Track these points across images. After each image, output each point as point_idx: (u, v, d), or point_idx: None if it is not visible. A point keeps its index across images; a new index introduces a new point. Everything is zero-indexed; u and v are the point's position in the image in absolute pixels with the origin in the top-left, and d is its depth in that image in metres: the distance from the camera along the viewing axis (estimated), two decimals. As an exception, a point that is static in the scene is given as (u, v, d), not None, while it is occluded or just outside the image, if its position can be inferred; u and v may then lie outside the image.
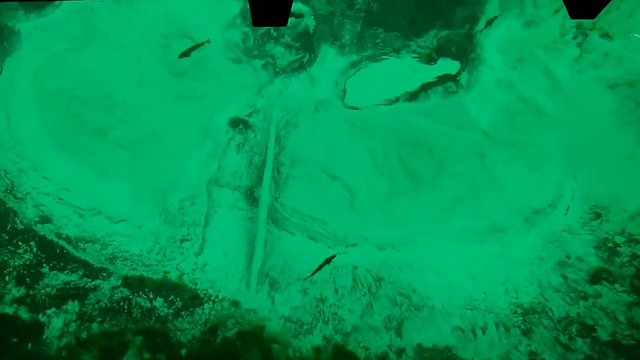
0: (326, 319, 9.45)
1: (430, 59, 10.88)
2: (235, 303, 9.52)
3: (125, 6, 11.20)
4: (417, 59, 10.91)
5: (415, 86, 10.73)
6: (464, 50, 10.92)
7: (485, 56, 10.78)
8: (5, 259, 9.37)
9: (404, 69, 10.82)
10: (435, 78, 10.77)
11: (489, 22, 10.93)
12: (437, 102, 10.62)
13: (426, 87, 10.78)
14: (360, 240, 10.05)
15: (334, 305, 9.57)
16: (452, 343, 9.43)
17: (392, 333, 9.49)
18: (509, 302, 9.53)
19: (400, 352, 9.42)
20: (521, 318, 9.41)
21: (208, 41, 10.60)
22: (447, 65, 10.83)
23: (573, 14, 2.18)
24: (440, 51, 10.93)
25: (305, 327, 9.36)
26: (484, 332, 9.38)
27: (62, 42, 11.15)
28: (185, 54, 10.21)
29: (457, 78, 10.83)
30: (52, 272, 9.50)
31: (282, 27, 11.02)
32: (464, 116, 10.44)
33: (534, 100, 10.56)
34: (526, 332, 9.33)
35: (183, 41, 10.85)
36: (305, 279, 9.45)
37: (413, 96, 10.77)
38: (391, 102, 10.74)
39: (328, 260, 9.21)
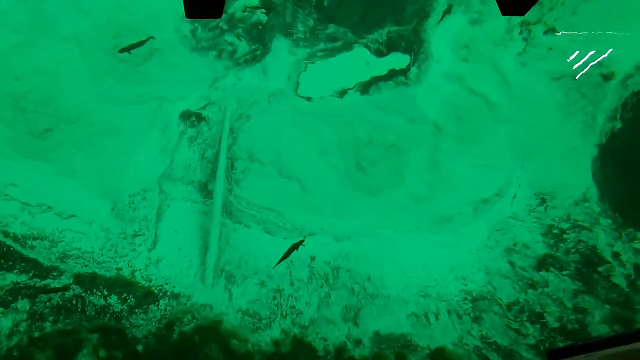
0: (284, 312, 9.49)
1: (381, 53, 11.06)
2: (191, 298, 9.46)
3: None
4: (369, 53, 11.07)
5: (366, 79, 10.89)
6: (413, 44, 11.15)
7: (434, 51, 11.03)
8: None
9: (355, 63, 10.95)
10: (386, 71, 10.96)
11: (438, 18, 11.18)
12: (388, 95, 10.80)
13: (377, 80, 10.95)
14: (317, 232, 10.13)
15: (292, 297, 9.62)
16: (407, 330, 9.65)
17: (350, 323, 9.62)
18: (459, 290, 9.81)
19: (358, 341, 9.56)
20: (471, 305, 9.71)
21: (152, 37, 10.51)
22: (398, 59, 11.03)
23: (504, 11, 2.24)
24: (391, 45, 11.12)
25: (264, 321, 9.38)
26: (437, 319, 9.65)
27: (9, 34, 10.76)
28: (125, 49, 10.04)
29: (407, 72, 11.06)
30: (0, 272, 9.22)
31: (234, 20, 10.96)
32: (414, 109, 10.66)
33: (481, 93, 10.88)
34: (477, 319, 9.64)
35: (133, 34, 10.63)
36: (274, 267, 9.42)
37: (365, 89, 10.93)
38: (343, 94, 10.87)
39: (295, 246, 9.19)
